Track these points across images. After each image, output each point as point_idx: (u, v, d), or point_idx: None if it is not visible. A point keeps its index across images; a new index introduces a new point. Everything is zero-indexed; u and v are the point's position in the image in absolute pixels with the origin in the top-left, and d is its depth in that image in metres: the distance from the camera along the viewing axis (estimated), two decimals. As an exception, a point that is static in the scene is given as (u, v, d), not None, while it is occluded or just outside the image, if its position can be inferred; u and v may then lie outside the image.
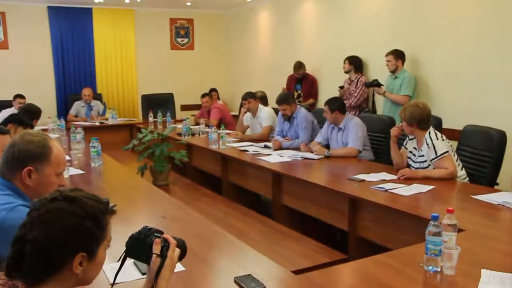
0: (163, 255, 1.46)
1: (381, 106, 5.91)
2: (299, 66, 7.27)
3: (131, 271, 1.98)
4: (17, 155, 1.84)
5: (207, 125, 6.44)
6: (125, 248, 1.51)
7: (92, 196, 1.33)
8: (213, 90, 9.13)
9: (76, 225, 1.23)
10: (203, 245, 2.36)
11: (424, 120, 3.66)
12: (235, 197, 4.86)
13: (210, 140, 5.35)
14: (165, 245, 1.48)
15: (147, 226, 1.53)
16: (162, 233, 1.52)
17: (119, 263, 1.51)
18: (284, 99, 5.27)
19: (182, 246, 1.56)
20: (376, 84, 5.70)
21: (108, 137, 7.00)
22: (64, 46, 8.80)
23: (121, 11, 9.12)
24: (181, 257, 1.57)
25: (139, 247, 1.48)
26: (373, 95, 6.18)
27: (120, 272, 1.51)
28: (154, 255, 1.46)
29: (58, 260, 1.22)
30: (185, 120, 6.32)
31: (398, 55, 5.52)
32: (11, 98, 7.23)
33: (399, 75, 5.51)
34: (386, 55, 5.57)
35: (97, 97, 8.62)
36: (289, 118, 5.28)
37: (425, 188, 3.27)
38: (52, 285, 1.23)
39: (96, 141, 4.40)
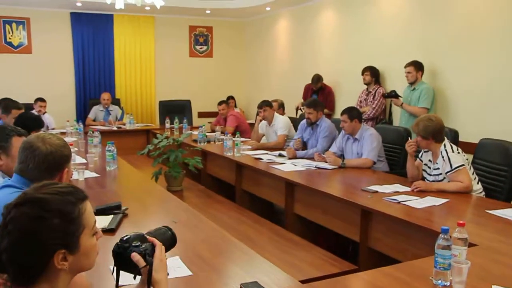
0: (147, 262, 1.42)
1: (398, 117, 5.87)
2: (317, 80, 7.24)
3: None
4: (57, 161, 1.97)
5: (223, 133, 6.47)
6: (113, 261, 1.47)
7: (60, 189, 1.29)
8: (230, 97, 9.17)
9: (42, 227, 1.20)
10: (211, 251, 2.36)
11: (438, 132, 3.63)
12: (248, 205, 4.87)
13: (225, 147, 5.37)
14: (146, 252, 1.43)
15: (124, 236, 1.46)
16: (141, 238, 1.46)
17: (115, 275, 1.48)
18: (313, 103, 5.34)
19: (167, 239, 1.53)
20: (394, 95, 5.64)
21: (125, 141, 7.09)
22: (85, 51, 8.94)
23: (141, 17, 9.24)
24: (170, 247, 1.54)
25: (123, 261, 1.44)
26: (390, 106, 6.14)
27: (126, 275, 1.49)
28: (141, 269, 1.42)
29: (35, 264, 1.21)
30: (201, 127, 6.35)
31: (418, 66, 5.46)
32: (32, 102, 7.33)
33: (418, 86, 5.46)
34: (406, 66, 5.51)
35: (116, 102, 8.72)
36: (311, 124, 5.28)
37: (439, 201, 3.23)
38: (45, 284, 1.23)
39: (112, 145, 4.44)
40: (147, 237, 1.47)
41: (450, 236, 1.92)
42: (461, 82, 5.28)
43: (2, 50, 8.41)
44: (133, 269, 1.43)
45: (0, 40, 8.38)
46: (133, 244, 1.43)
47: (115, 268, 1.46)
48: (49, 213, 1.22)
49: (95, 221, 1.35)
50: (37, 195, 1.26)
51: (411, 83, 5.52)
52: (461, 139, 4.37)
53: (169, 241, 1.55)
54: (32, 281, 1.22)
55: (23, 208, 1.22)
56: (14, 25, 8.44)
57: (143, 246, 1.44)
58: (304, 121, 5.44)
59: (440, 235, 1.90)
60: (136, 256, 1.41)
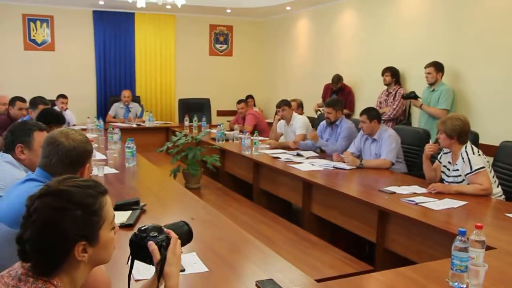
0: (162, 255, 1.43)
1: (417, 119, 5.82)
2: (337, 80, 7.22)
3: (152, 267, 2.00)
4: (80, 156, 1.99)
5: (241, 131, 6.49)
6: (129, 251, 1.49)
7: (81, 182, 1.33)
8: (249, 96, 9.18)
9: (65, 218, 1.24)
10: (228, 249, 2.38)
11: (464, 133, 3.59)
12: (265, 204, 4.88)
13: (243, 146, 5.39)
14: (162, 244, 1.44)
15: (142, 226, 1.49)
16: (158, 229, 1.48)
17: (128, 265, 1.50)
18: (332, 103, 5.33)
19: (184, 234, 1.54)
20: (413, 96, 5.59)
21: (144, 139, 7.16)
22: (106, 49, 9.06)
23: (162, 16, 9.32)
24: (186, 242, 1.56)
25: (139, 250, 1.46)
26: (410, 107, 6.10)
27: (142, 269, 1.51)
28: (154, 256, 1.43)
29: (57, 255, 1.25)
30: (220, 125, 6.38)
31: (439, 67, 5.40)
32: (54, 98, 7.44)
33: (437, 87, 5.40)
34: (426, 67, 5.45)
35: (136, 99, 8.81)
36: (331, 123, 5.28)
37: (457, 203, 3.21)
38: (65, 274, 1.27)
39: (131, 142, 4.49)
40: (167, 230, 1.49)
41: (468, 238, 1.90)
42: (483, 84, 5.21)
43: (27, 47, 8.57)
44: (149, 258, 1.45)
45: (25, 37, 8.54)
46: (150, 234, 1.46)
47: (130, 257, 1.49)
48: (71, 205, 1.26)
49: (114, 216, 1.39)
50: (60, 187, 1.30)
51: (431, 84, 5.47)
52: (482, 141, 4.33)
53: (186, 236, 1.57)
54: (53, 271, 1.25)
55: (46, 199, 1.27)
56: (38, 22, 8.59)
57: (160, 237, 1.46)
58: (324, 121, 5.43)
59: (457, 237, 1.89)
60: (152, 245, 1.43)
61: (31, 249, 1.23)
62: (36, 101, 4.99)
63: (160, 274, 1.43)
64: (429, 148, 3.80)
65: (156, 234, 1.46)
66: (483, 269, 1.85)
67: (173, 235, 1.49)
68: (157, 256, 1.43)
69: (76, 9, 8.80)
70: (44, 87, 8.14)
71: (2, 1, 8.22)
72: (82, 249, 1.27)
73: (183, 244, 1.53)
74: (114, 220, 1.38)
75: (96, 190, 1.34)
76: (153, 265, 1.46)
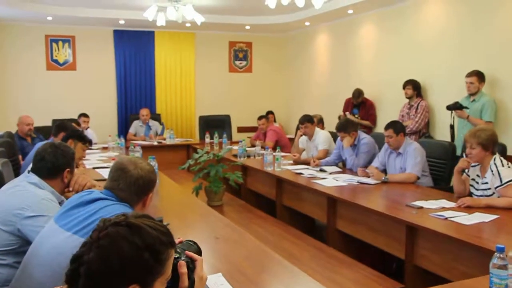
0: (190, 278, 1.34)
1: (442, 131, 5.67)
2: (358, 95, 7.17)
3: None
4: (146, 186, 2.05)
5: (263, 147, 6.45)
6: None
7: (158, 226, 1.27)
8: (269, 112, 9.17)
9: (133, 255, 1.17)
10: (255, 268, 2.33)
11: (497, 142, 3.54)
12: (289, 220, 4.81)
13: (265, 162, 5.34)
14: (190, 267, 1.36)
15: None
16: (179, 250, 1.39)
17: None
18: (342, 127, 5.14)
19: (194, 253, 1.45)
20: (458, 106, 5.24)
21: (165, 156, 7.16)
22: (127, 68, 9.15)
23: (182, 34, 9.39)
24: None
25: None
26: (453, 118, 5.48)
27: None
28: (181, 281, 1.35)
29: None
30: (241, 141, 6.36)
31: (481, 77, 5.16)
32: (76, 117, 7.52)
33: (478, 98, 5.17)
34: (468, 76, 5.20)
35: (156, 117, 8.87)
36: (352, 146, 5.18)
37: (488, 217, 3.10)
38: None
39: (153, 160, 4.47)
40: (189, 253, 1.42)
41: (506, 255, 1.82)
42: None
43: (49, 67, 8.71)
44: (170, 282, 1.34)
45: (47, 57, 8.68)
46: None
47: None
48: (144, 244, 1.19)
49: (171, 274, 1.31)
50: (137, 221, 1.23)
51: (471, 94, 5.23)
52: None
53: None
54: None
55: (122, 229, 1.21)
56: (60, 43, 8.74)
57: (183, 258, 1.37)
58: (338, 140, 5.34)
59: (495, 254, 1.81)
60: (184, 267, 1.35)
61: (85, 271, 1.16)
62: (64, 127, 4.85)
63: None
64: (463, 162, 3.67)
65: (178, 255, 1.37)
66: (524, 288, 1.77)
67: (197, 257, 1.41)
68: (185, 281, 1.34)
69: (97, 29, 8.93)
70: (66, 107, 8.28)
71: (25, 24, 8.38)
72: None
73: None
74: (169, 277, 1.30)
75: (168, 239, 1.26)
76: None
